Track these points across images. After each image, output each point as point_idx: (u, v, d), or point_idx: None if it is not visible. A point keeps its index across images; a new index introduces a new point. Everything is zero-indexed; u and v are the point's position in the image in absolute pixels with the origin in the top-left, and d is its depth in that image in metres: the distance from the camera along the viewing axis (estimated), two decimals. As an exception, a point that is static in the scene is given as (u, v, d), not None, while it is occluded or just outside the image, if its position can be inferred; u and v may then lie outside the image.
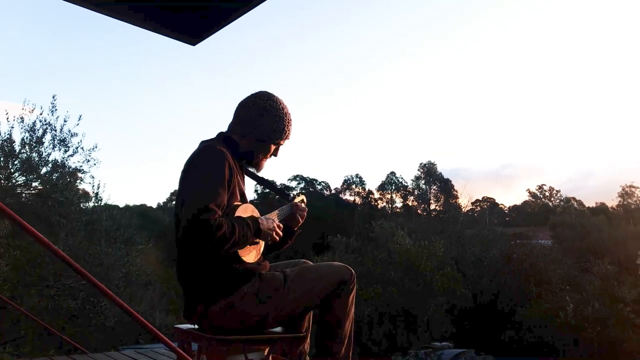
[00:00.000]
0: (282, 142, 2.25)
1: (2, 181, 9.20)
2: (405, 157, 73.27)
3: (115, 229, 11.39)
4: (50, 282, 9.32)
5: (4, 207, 1.44)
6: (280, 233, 2.10)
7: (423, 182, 51.81)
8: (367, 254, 20.69)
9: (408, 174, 75.58)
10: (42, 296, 9.11)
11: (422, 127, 71.88)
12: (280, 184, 44.84)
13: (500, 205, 57.20)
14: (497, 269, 20.32)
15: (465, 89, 70.78)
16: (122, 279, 10.62)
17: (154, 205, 51.28)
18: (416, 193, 51.99)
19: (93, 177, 11.31)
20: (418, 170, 52.13)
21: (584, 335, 15.56)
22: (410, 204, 51.32)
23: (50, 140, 9.57)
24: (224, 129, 2.24)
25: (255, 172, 2.30)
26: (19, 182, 9.47)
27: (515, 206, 58.70)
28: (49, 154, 9.63)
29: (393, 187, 52.62)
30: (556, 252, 21.64)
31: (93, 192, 11.03)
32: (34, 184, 9.65)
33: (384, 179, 52.55)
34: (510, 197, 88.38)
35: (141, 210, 36.74)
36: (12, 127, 9.30)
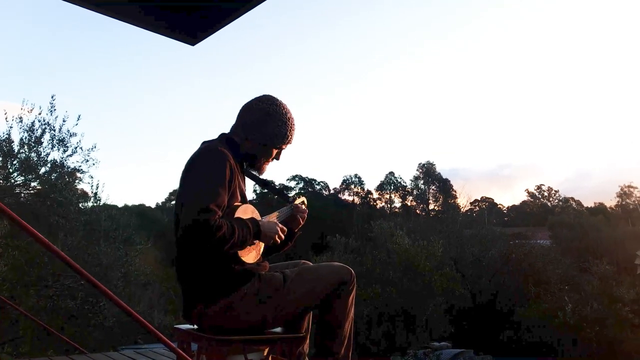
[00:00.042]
0: (284, 147, 2.25)
1: (1, 181, 9.19)
2: (404, 157, 73.40)
3: (114, 229, 11.37)
4: (49, 282, 9.31)
5: (4, 207, 1.44)
6: (282, 236, 2.10)
7: (422, 182, 51.87)
8: (366, 254, 20.69)
9: (407, 174, 75.65)
10: (40, 296, 9.09)
11: (421, 127, 72.00)
12: (279, 184, 44.87)
13: (499, 205, 57.32)
14: (495, 269, 20.33)
15: (464, 89, 70.90)
16: (120, 279, 10.60)
17: (153, 205, 51.26)
18: (415, 193, 52.06)
19: (92, 177, 11.29)
20: (417, 170, 52.24)
21: (582, 335, 15.58)
22: (409, 204, 51.36)
23: (49, 140, 9.57)
24: (223, 128, 2.25)
25: (256, 174, 2.30)
26: (18, 182, 9.46)
27: (513, 206, 58.84)
28: (48, 154, 9.64)
29: (392, 187, 52.67)
30: (555, 252, 21.65)
31: (92, 192, 11.02)
32: (32, 184, 9.64)
33: (382, 179, 52.68)
34: (508, 197, 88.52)
35: (140, 210, 36.68)
36: (10, 127, 9.31)
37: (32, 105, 9.54)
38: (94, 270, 9.22)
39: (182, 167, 2.09)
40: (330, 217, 37.34)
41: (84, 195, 11.18)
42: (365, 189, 52.58)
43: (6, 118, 9.22)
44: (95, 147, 9.94)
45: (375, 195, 52.85)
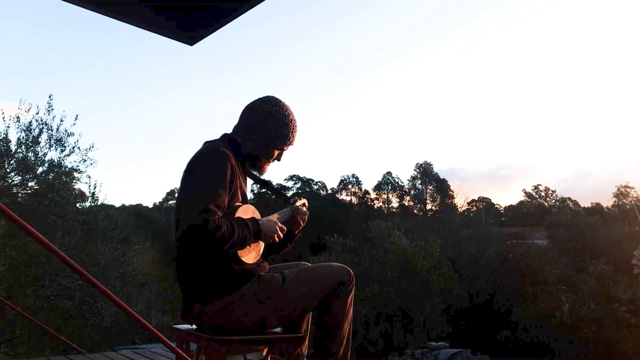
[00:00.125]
0: (285, 148, 2.26)
1: (-2, 181, 9.16)
2: (402, 157, 73.50)
3: (112, 229, 11.36)
4: (46, 282, 9.29)
5: (4, 207, 1.43)
6: (281, 235, 2.10)
7: (419, 182, 51.93)
8: (363, 254, 20.72)
9: (404, 174, 75.63)
10: (38, 296, 9.07)
11: (418, 127, 72.09)
12: (277, 184, 44.83)
13: (496, 206, 57.46)
14: (493, 269, 20.37)
15: (462, 89, 71.00)
16: (118, 279, 10.60)
17: (150, 205, 51.20)
18: (412, 193, 52.11)
19: (90, 177, 11.24)
20: (414, 170, 52.32)
21: (579, 335, 15.63)
22: (406, 204, 51.43)
23: (47, 139, 9.55)
24: (221, 129, 2.26)
25: (257, 174, 2.31)
26: (15, 182, 9.43)
27: (511, 206, 58.95)
28: (45, 154, 9.61)
29: (389, 187, 52.74)
30: (552, 252, 21.71)
31: (89, 192, 11.01)
32: (30, 184, 9.62)
33: (380, 179, 52.74)
34: (506, 197, 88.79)
35: (137, 210, 36.61)
36: (8, 127, 9.29)
37: (30, 104, 9.53)
38: (92, 270, 9.21)
39: (180, 167, 2.10)
40: (327, 217, 37.35)
41: (82, 195, 11.17)
42: (363, 189, 52.71)
43: (3, 118, 9.20)
44: (92, 147, 9.93)
45: (373, 195, 52.97)
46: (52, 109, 9.54)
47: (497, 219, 44.13)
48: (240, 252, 2.00)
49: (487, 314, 19.25)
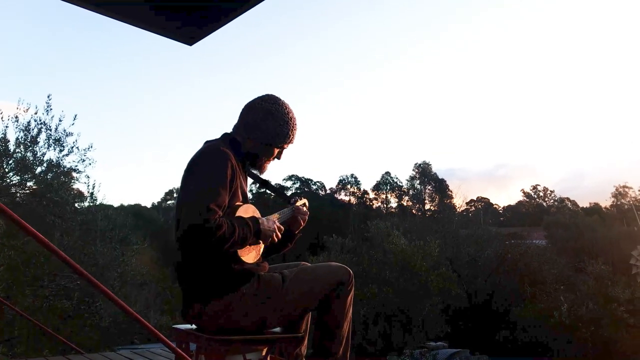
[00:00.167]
0: (285, 146, 2.26)
1: (-3, 181, 9.15)
2: (400, 157, 73.55)
3: (110, 228, 11.36)
4: (45, 282, 9.28)
5: (4, 207, 1.43)
6: (279, 234, 2.10)
7: (418, 182, 51.96)
8: (362, 254, 20.72)
9: (403, 174, 75.75)
10: (36, 296, 9.06)
11: (417, 127, 72.14)
12: (275, 184, 44.78)
13: (494, 206, 57.51)
14: (491, 269, 20.39)
15: (461, 89, 71.04)
16: (117, 279, 10.59)
17: (149, 205, 51.10)
18: (411, 193, 52.14)
19: (88, 177, 11.23)
20: (413, 170, 52.35)
21: (578, 335, 15.65)
22: (405, 204, 51.45)
23: (45, 139, 9.55)
24: (221, 128, 2.27)
25: (257, 174, 2.31)
26: (14, 182, 9.42)
27: (509, 206, 59.01)
28: (44, 154, 9.61)
29: (388, 187, 52.73)
30: (550, 252, 21.74)
31: (88, 192, 11.00)
32: (28, 184, 9.61)
33: (379, 179, 52.76)
34: (504, 197, 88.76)
35: (136, 210, 36.59)
36: (6, 127, 9.28)
37: (28, 104, 9.52)
38: (91, 270, 9.19)
39: (180, 167, 2.11)
40: (326, 217, 37.37)
41: (80, 195, 11.16)
42: (362, 189, 52.72)
43: (2, 117, 9.18)
44: (91, 146, 9.94)
45: (372, 195, 52.99)
46: (51, 109, 9.55)
47: (495, 219, 44.10)
48: (240, 252, 2.00)
49: (485, 314, 19.27)
